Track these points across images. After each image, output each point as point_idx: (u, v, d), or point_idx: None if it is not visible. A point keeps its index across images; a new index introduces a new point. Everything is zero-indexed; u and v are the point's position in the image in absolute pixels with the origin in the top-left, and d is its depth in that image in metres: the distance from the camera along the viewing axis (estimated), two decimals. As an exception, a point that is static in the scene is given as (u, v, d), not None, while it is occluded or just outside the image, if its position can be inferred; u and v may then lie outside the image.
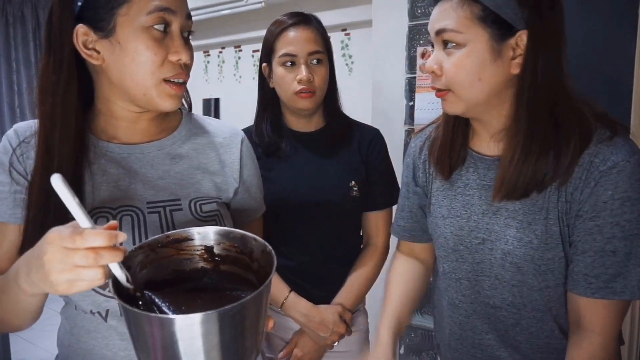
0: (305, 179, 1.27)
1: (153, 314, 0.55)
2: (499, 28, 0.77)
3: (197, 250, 0.68)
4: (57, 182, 0.52)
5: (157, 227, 0.79)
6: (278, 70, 1.23)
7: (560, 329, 0.87)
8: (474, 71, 0.79)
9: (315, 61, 1.22)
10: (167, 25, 0.76)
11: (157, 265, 0.65)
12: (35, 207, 0.72)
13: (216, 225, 0.82)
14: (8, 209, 0.78)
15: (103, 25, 0.74)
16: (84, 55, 0.75)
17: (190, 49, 0.80)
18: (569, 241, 0.83)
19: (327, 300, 1.30)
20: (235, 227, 0.90)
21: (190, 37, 0.82)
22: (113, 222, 0.58)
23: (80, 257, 0.54)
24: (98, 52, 0.75)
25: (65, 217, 0.61)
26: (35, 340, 3.13)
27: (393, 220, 1.14)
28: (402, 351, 1.98)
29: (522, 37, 0.77)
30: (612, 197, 0.76)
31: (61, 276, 0.56)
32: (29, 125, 0.81)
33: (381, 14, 1.86)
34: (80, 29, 0.74)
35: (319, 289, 1.29)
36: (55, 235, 0.56)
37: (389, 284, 1.12)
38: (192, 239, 0.67)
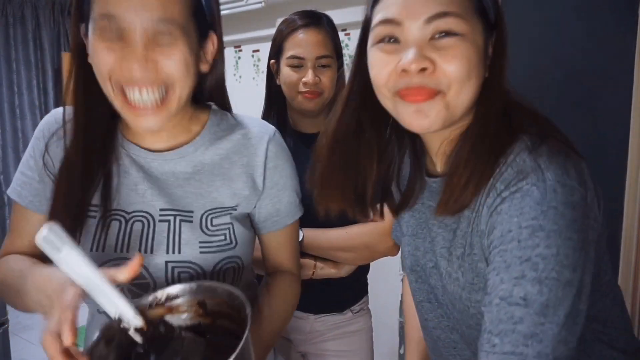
0: (302, 182, 1.25)
1: None
2: (486, 24, 0.67)
3: (192, 306, 0.66)
4: (52, 231, 0.55)
5: (163, 238, 0.78)
6: (285, 70, 1.23)
7: None
8: (472, 66, 0.64)
9: (322, 65, 1.22)
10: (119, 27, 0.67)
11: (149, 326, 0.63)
12: (61, 196, 0.73)
13: (225, 238, 0.80)
14: (30, 195, 0.79)
15: (86, 23, 0.71)
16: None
17: (165, 57, 0.68)
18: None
19: (330, 307, 1.29)
20: (259, 236, 0.89)
21: (164, 44, 0.68)
22: (137, 263, 0.60)
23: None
24: None
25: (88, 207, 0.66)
26: (35, 340, 3.13)
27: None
28: (402, 351, 1.98)
29: (494, 38, 0.68)
30: (519, 225, 0.58)
31: None
32: (60, 114, 0.79)
33: (381, 14, 1.85)
34: (82, 28, 0.72)
35: (322, 294, 1.26)
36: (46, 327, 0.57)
37: (407, 322, 1.06)
38: (183, 296, 0.66)
